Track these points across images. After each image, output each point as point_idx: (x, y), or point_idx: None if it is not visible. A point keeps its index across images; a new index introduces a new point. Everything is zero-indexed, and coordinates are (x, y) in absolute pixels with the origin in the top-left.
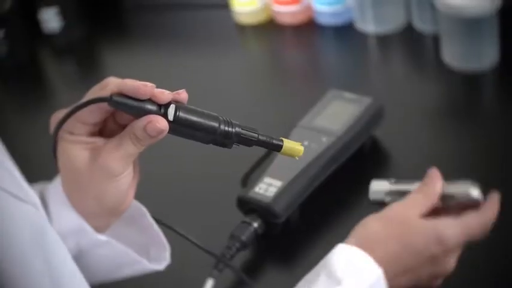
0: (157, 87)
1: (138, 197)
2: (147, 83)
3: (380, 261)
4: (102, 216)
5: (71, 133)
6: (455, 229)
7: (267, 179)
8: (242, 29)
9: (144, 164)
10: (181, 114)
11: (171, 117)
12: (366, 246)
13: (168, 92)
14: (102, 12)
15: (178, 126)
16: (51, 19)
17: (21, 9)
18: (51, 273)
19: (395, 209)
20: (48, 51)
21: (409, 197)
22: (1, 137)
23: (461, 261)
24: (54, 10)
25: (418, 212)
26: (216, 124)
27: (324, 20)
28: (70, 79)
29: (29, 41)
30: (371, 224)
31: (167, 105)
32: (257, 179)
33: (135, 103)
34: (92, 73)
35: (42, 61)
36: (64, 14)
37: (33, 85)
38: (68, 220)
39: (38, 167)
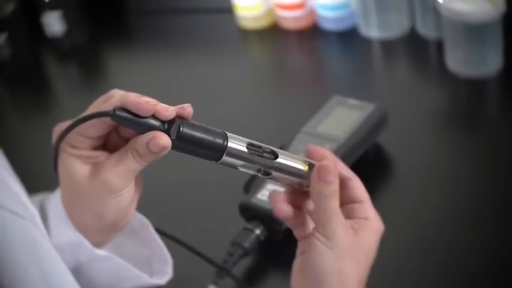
0: (161, 93)
1: (139, 203)
2: (150, 99)
3: None
4: (102, 232)
5: (73, 146)
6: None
7: (270, 186)
8: (246, 33)
9: (145, 171)
10: (184, 130)
11: (174, 133)
12: None
13: (171, 108)
14: (106, 16)
15: (181, 143)
16: (54, 23)
17: (25, 13)
18: (48, 285)
19: (350, 241)
20: (51, 54)
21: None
22: (3, 141)
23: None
24: (58, 14)
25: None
26: (220, 141)
27: (327, 25)
28: (73, 83)
29: (32, 44)
30: (347, 271)
31: (171, 121)
32: (260, 186)
33: (138, 118)
34: (95, 77)
35: (45, 65)
36: (67, 17)
37: (36, 88)
38: (66, 235)
39: (40, 172)
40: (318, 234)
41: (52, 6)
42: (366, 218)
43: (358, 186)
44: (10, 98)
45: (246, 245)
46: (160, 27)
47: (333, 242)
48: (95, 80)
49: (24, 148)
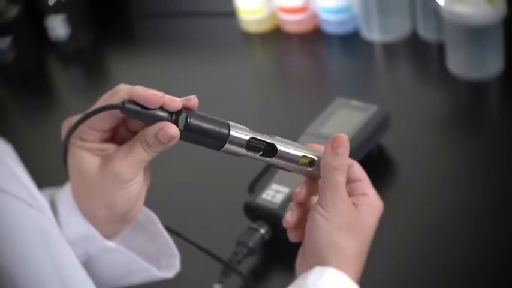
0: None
1: (146, 203)
2: (157, 92)
3: (355, 275)
4: (111, 223)
5: (82, 139)
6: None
7: (274, 186)
8: (248, 37)
9: (152, 170)
10: (192, 121)
11: (182, 124)
12: (345, 268)
13: (179, 99)
14: (109, 19)
15: (189, 133)
16: (58, 26)
17: (29, 16)
18: (60, 275)
19: (350, 215)
20: (55, 58)
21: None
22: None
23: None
24: (62, 17)
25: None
26: (224, 130)
27: (329, 29)
28: (77, 86)
29: (36, 48)
30: (344, 244)
31: (178, 112)
32: (264, 186)
33: (147, 110)
34: (99, 80)
35: (49, 68)
36: (71, 21)
37: (40, 92)
38: (76, 226)
39: (45, 173)
40: (318, 207)
41: (56, 10)
42: (365, 194)
43: (357, 169)
44: (14, 101)
45: (251, 244)
46: (164, 31)
47: (331, 214)
48: (98, 83)
49: (27, 151)
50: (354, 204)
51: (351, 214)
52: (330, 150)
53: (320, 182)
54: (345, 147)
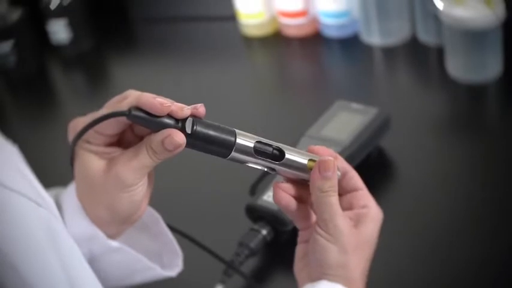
0: (167, 98)
1: (149, 205)
2: (165, 101)
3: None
4: (115, 224)
5: (89, 142)
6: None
7: None
8: (249, 41)
9: (155, 172)
10: (198, 128)
11: (188, 131)
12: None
13: (187, 107)
14: (111, 23)
15: (195, 141)
16: (60, 30)
17: (30, 21)
18: (67, 272)
19: (353, 234)
20: (57, 62)
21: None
22: None
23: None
24: (63, 22)
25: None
26: (231, 138)
27: (330, 33)
28: (78, 90)
29: (37, 52)
30: (351, 265)
31: (185, 119)
32: (266, 188)
33: (153, 118)
34: (100, 84)
35: (51, 72)
36: (72, 25)
37: (42, 96)
38: (81, 227)
39: (47, 176)
40: (320, 230)
41: (57, 14)
42: (365, 206)
43: (354, 176)
44: (15, 105)
45: (253, 245)
46: (165, 35)
47: (335, 238)
48: (99, 87)
49: (29, 154)
50: (355, 220)
51: (353, 234)
52: (318, 174)
53: (314, 204)
54: (333, 170)
